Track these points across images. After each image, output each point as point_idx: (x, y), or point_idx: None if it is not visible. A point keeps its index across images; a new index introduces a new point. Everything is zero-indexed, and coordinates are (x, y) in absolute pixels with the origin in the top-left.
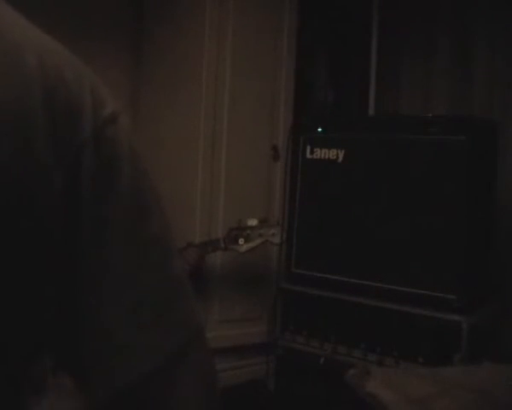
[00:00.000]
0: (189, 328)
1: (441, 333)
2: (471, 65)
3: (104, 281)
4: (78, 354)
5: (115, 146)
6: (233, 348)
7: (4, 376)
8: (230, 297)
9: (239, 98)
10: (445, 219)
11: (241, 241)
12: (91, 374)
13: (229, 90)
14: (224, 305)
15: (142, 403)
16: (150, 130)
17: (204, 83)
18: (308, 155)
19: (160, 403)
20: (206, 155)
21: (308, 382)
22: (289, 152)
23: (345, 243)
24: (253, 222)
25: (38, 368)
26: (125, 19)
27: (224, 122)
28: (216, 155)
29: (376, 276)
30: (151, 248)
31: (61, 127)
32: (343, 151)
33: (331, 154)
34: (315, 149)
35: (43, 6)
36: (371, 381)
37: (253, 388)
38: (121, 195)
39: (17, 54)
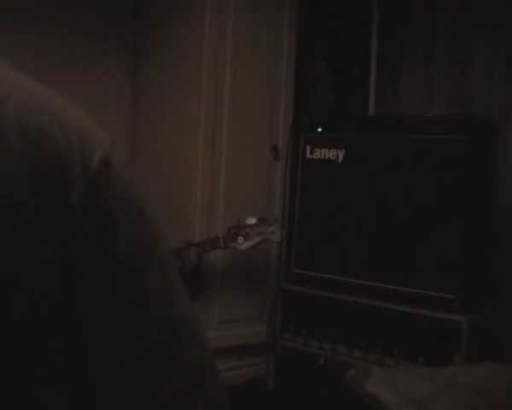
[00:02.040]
0: (200, 368)
1: (441, 333)
2: (471, 65)
3: (112, 358)
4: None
5: (108, 197)
6: (233, 348)
7: None
8: (230, 297)
9: (239, 98)
10: (445, 219)
11: (240, 239)
12: None
13: (229, 89)
14: (223, 305)
15: None
16: (150, 130)
17: (204, 83)
18: (308, 155)
19: None
20: (206, 154)
21: (308, 382)
22: (289, 152)
23: (345, 243)
24: (251, 220)
25: None
26: (125, 19)
27: (223, 122)
28: (216, 155)
29: (376, 276)
30: (152, 303)
31: (49, 196)
32: (343, 151)
33: (331, 154)
34: (315, 149)
35: (44, 13)
36: (371, 381)
37: (253, 388)
38: (120, 249)
39: None
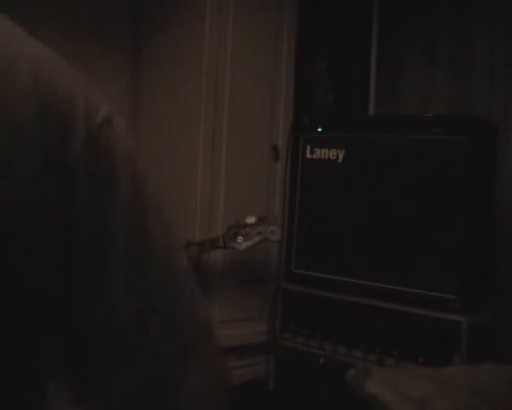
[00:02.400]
0: (194, 327)
1: (441, 333)
2: (471, 65)
3: (107, 291)
4: (83, 363)
5: (111, 149)
6: (233, 348)
7: (14, 395)
8: (230, 297)
9: (239, 98)
10: (445, 219)
11: (239, 239)
12: (97, 382)
13: (229, 89)
14: (223, 305)
15: (150, 405)
16: (150, 130)
17: (204, 83)
18: (308, 155)
19: (169, 403)
20: (206, 154)
21: (308, 382)
22: (289, 152)
23: (345, 243)
24: (251, 220)
25: (46, 387)
26: (125, 20)
27: (223, 122)
28: (216, 155)
29: (376, 276)
30: (152, 248)
31: (54, 138)
32: (343, 151)
33: (331, 154)
34: (315, 149)
35: (44, 13)
36: (371, 381)
37: (253, 388)
38: (120, 198)
39: (12, 66)
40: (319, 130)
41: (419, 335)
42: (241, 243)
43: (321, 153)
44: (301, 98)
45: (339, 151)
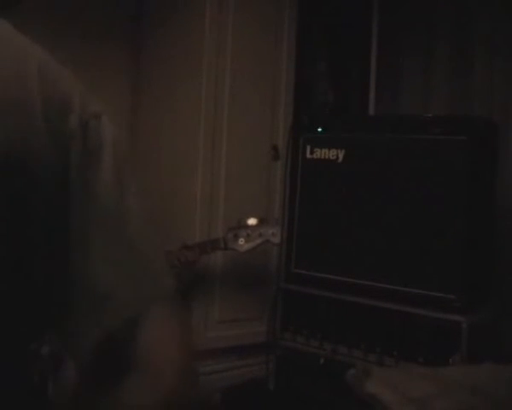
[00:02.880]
0: (161, 287)
1: (441, 333)
2: (471, 65)
3: (90, 240)
4: (66, 306)
5: (99, 138)
6: (233, 348)
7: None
8: (230, 297)
9: (239, 98)
10: (446, 219)
11: (241, 241)
12: (80, 323)
13: (229, 89)
14: (224, 305)
15: (121, 344)
16: (150, 130)
17: (204, 83)
18: (308, 155)
19: (134, 345)
20: (206, 155)
21: (308, 382)
22: (289, 152)
23: (345, 242)
24: (252, 221)
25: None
26: (125, 20)
27: (224, 122)
28: (216, 155)
29: (376, 276)
30: (129, 219)
31: (55, 119)
32: (343, 151)
33: (331, 154)
34: (315, 149)
35: (44, 13)
36: (371, 381)
37: (253, 388)
38: (103, 169)
39: (21, 63)
40: (319, 130)
41: (419, 335)
42: (243, 244)
43: (321, 153)
44: (301, 98)
45: (339, 151)
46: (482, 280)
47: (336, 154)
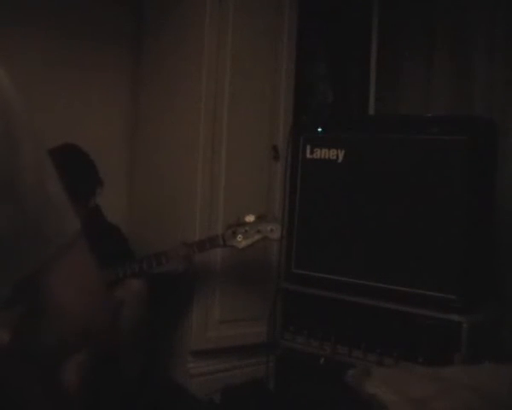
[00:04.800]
0: (63, 235)
1: (441, 333)
2: (471, 65)
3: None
4: None
5: (17, 127)
6: (233, 348)
7: None
8: (231, 297)
9: (239, 98)
10: (446, 218)
11: (239, 237)
12: None
13: (229, 90)
14: (224, 305)
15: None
16: (150, 130)
17: (204, 83)
18: (308, 155)
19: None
20: (206, 154)
21: (308, 382)
22: (289, 152)
23: (345, 242)
24: (250, 218)
25: None
26: (125, 20)
27: (223, 122)
28: (216, 155)
29: (376, 276)
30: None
31: None
32: (343, 151)
33: (331, 154)
34: (315, 149)
35: (45, 15)
36: (371, 381)
37: (253, 388)
38: (24, 157)
39: None
40: (319, 130)
41: (419, 335)
42: (241, 241)
43: (321, 153)
44: (301, 98)
45: (339, 151)
46: (482, 280)
47: (336, 154)
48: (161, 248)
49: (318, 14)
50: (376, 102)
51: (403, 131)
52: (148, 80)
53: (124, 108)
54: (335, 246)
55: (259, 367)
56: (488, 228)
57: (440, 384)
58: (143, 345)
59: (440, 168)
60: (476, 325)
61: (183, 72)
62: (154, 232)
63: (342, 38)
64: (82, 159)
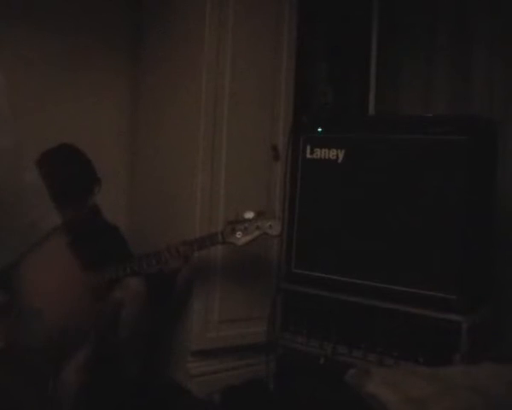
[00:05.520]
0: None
1: (441, 333)
2: (471, 65)
3: None
4: None
5: None
6: (233, 348)
7: None
8: (230, 297)
9: (239, 98)
10: (446, 219)
11: (238, 234)
12: None
13: (229, 90)
14: (224, 305)
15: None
16: (150, 130)
17: (204, 83)
18: (308, 155)
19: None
20: (206, 154)
21: (308, 382)
22: (289, 152)
23: (345, 243)
24: (249, 215)
25: None
26: (125, 20)
27: (223, 122)
28: (216, 155)
29: (376, 276)
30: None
31: None
32: (343, 151)
33: (331, 154)
34: (315, 149)
35: (45, 18)
36: (371, 381)
37: (253, 388)
38: None
39: None
40: (319, 130)
41: (419, 335)
42: (240, 238)
43: (321, 153)
44: (301, 98)
45: (339, 151)
46: (482, 280)
47: (336, 154)
48: (161, 248)
49: (318, 15)
50: (376, 102)
51: (403, 131)
52: (148, 80)
53: (124, 108)
54: (335, 246)
55: (259, 367)
56: (488, 228)
57: (440, 384)
58: (143, 345)
59: (440, 168)
60: (476, 325)
61: (183, 72)
62: (154, 232)
63: (342, 38)
64: (79, 158)
